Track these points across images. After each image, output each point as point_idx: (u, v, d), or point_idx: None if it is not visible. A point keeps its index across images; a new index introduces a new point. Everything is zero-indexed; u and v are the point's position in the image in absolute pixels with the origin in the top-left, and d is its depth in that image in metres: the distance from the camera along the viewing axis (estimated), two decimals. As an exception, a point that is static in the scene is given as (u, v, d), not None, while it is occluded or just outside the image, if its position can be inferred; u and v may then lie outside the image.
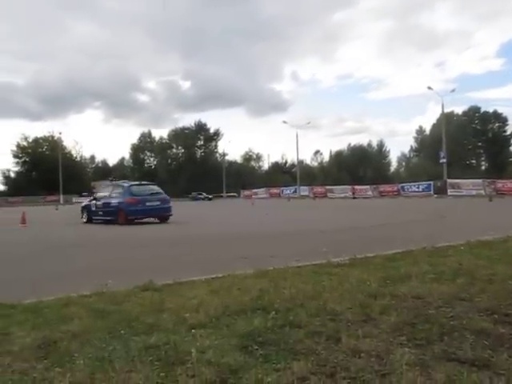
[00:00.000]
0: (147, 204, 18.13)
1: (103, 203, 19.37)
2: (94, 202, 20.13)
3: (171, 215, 18.81)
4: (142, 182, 22.26)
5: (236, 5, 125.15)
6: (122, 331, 3.48)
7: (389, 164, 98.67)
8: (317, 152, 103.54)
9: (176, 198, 68.19)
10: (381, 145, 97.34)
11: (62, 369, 2.81)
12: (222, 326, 3.52)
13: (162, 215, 18.61)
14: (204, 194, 71.45)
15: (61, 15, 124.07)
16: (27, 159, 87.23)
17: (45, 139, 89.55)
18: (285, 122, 74.68)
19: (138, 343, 3.19)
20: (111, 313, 4.02)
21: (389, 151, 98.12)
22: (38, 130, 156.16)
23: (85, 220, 20.27)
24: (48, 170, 77.29)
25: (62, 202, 64.87)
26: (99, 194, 20.63)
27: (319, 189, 62.08)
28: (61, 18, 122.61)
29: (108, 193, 19.87)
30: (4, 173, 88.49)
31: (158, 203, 18.52)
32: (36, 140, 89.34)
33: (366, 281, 4.91)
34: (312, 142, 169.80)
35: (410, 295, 4.23)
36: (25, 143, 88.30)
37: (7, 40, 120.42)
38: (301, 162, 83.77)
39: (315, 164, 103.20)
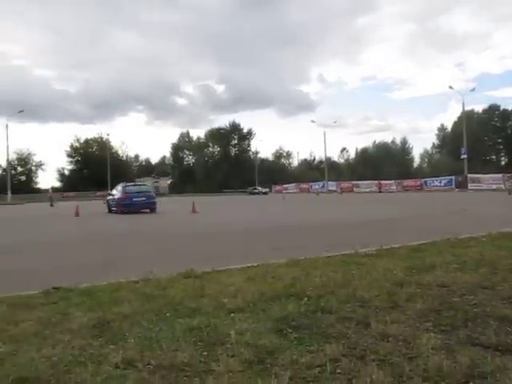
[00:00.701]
0: (134, 200, 21.80)
1: (112, 198, 23.44)
2: (110, 197, 24.19)
3: (156, 208, 22.33)
4: (136, 183, 27.51)
5: (265, 11, 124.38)
6: (168, 314, 3.55)
7: (412, 160, 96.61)
8: (343, 149, 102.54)
9: (214, 193, 69.04)
10: (404, 142, 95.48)
11: (115, 346, 2.89)
12: (258, 311, 3.54)
13: (149, 207, 22.16)
14: (259, 188, 69.51)
15: (107, 28, 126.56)
16: (79, 158, 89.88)
17: (94, 140, 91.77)
18: (313, 121, 73.92)
19: (182, 325, 3.24)
20: (157, 297, 4.09)
21: (412, 148, 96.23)
22: (88, 132, 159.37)
23: (107, 211, 23.74)
24: (97, 168, 79.15)
25: (110, 197, 66.29)
26: (113, 191, 24.33)
27: (346, 184, 61.39)
28: (107, 31, 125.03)
29: (116, 191, 23.71)
30: (59, 170, 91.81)
31: (144, 199, 22.19)
32: (87, 141, 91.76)
33: (393, 270, 4.85)
34: (339, 140, 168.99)
35: (435, 284, 4.16)
36: (77, 144, 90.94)
37: (61, 52, 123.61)
38: (328, 159, 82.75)
39: (342, 161, 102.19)
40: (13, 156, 79.47)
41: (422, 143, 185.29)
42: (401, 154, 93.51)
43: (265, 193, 66.41)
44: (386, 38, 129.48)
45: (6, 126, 60.41)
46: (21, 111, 63.56)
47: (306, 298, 3.79)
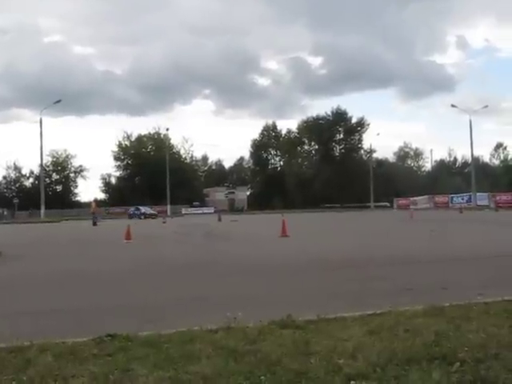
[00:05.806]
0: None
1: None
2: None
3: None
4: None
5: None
6: (262, 377, 3.62)
7: None
8: (499, 146, 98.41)
9: (311, 209, 68.72)
10: None
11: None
12: (388, 378, 3.51)
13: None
14: None
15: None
16: (129, 161, 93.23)
17: (149, 137, 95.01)
18: (453, 105, 71.93)
19: (284, 394, 3.30)
20: (245, 353, 4.19)
21: None
22: (140, 126, 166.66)
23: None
24: (153, 174, 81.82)
25: (169, 213, 68.59)
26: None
27: (504, 196, 58.88)
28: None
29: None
30: (104, 178, 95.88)
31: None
32: (139, 138, 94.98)
33: None
34: (491, 133, 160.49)
35: None
36: (127, 143, 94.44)
37: (104, 23, 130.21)
38: (476, 160, 79.87)
39: (497, 162, 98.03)
40: (47, 159, 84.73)
41: None
42: None
43: None
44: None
45: (40, 121, 63.80)
46: (57, 101, 65.27)
47: (458, 363, 3.71)
